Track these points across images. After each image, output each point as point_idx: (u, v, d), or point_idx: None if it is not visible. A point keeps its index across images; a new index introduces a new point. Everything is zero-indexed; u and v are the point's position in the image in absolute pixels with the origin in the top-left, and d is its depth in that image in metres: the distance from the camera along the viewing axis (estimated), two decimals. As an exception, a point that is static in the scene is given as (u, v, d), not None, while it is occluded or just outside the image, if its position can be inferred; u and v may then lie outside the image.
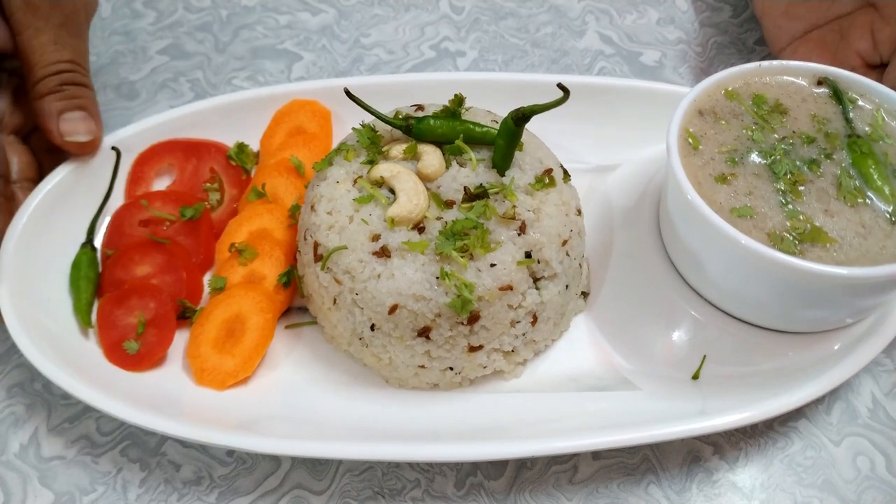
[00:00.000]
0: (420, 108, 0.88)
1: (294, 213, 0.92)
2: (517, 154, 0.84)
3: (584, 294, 0.91)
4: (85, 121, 0.91)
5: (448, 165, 0.82)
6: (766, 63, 0.88)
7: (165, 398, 0.82)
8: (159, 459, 0.84)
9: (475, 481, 0.83)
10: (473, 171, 0.82)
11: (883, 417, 0.87)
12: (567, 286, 0.84)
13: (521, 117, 0.78)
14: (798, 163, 0.81)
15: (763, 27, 1.14)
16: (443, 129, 0.83)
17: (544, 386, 0.85)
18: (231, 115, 1.00)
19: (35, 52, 0.89)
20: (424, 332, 0.78)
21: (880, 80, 0.89)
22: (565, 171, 0.88)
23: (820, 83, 0.87)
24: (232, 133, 1.00)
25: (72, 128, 0.90)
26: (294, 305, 0.91)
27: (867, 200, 0.78)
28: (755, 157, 0.81)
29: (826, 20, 1.07)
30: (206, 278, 0.92)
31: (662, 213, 0.89)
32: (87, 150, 0.92)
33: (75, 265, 0.89)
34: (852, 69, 0.97)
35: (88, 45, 0.95)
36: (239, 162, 0.99)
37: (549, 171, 0.84)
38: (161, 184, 0.98)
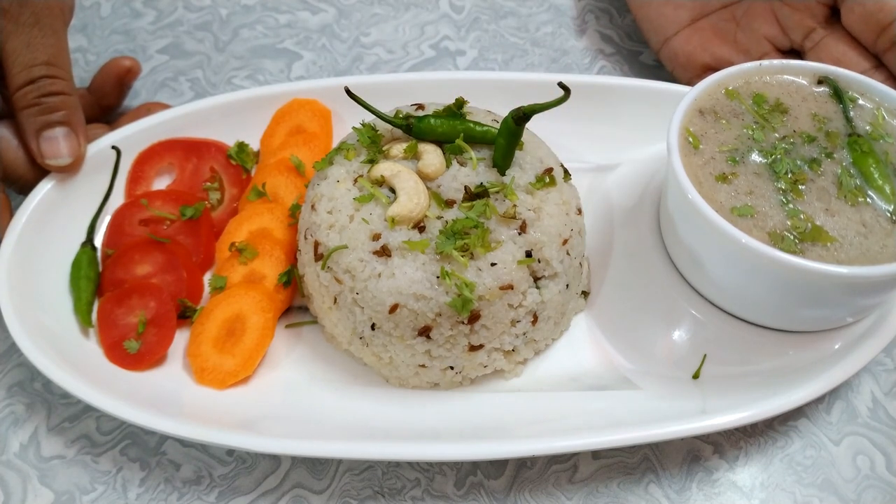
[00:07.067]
0: (420, 107, 0.88)
1: (294, 212, 0.92)
2: (518, 153, 0.84)
3: (585, 293, 0.91)
4: (67, 138, 0.88)
5: (448, 165, 0.82)
6: (766, 62, 0.88)
7: (165, 397, 0.82)
8: (159, 459, 0.84)
9: (475, 481, 0.83)
10: (474, 171, 0.82)
11: (883, 417, 0.87)
12: (567, 285, 0.84)
13: (521, 116, 0.78)
14: (799, 162, 0.81)
15: (639, 19, 1.13)
16: (443, 128, 0.83)
17: (544, 385, 0.85)
18: (231, 115, 1.00)
19: (9, 58, 0.87)
20: (425, 332, 0.78)
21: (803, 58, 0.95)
22: (566, 171, 0.88)
23: (820, 82, 0.87)
24: (232, 132, 0.99)
25: (53, 149, 0.87)
26: (294, 305, 0.91)
27: (868, 199, 0.78)
28: (756, 157, 0.81)
29: (713, 8, 1.08)
30: (207, 277, 0.92)
31: (663, 213, 0.89)
32: (69, 170, 0.90)
33: (75, 264, 0.89)
34: (764, 54, 1.03)
35: (67, 44, 0.92)
36: (239, 161, 0.99)
37: (549, 171, 0.84)
38: (161, 183, 0.98)
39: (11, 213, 0.88)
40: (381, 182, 0.82)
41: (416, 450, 0.76)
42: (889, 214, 0.77)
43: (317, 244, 0.82)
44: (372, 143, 0.84)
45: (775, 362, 0.83)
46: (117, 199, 0.96)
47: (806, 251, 0.74)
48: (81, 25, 1.22)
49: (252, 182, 0.96)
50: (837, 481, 0.83)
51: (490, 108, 0.90)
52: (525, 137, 0.84)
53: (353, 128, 0.86)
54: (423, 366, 0.82)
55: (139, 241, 0.91)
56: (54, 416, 0.86)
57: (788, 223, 0.76)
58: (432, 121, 0.83)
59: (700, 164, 0.81)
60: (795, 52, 1.06)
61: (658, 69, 1.18)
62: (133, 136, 0.96)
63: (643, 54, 1.20)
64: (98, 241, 0.93)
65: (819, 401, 0.87)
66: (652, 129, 0.94)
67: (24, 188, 0.91)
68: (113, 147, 0.95)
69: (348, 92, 0.84)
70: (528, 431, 0.80)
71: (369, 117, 0.86)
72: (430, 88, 0.98)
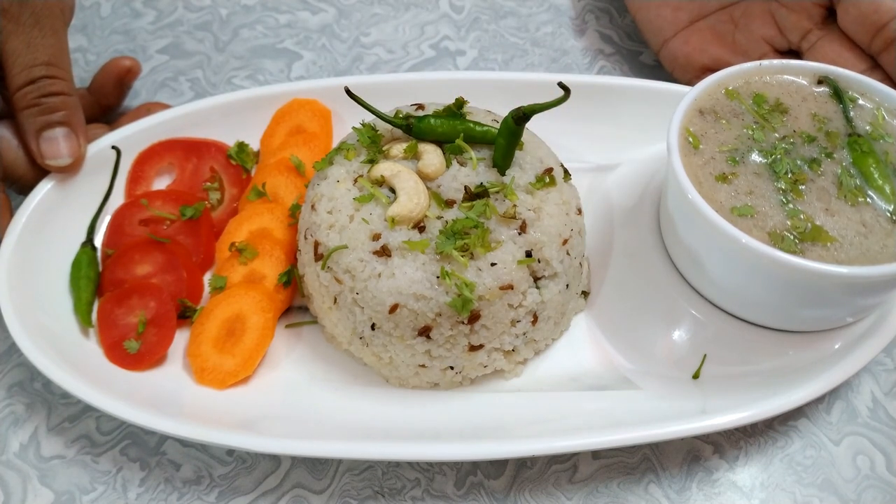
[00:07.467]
0: (420, 107, 0.88)
1: (294, 212, 0.92)
2: (517, 153, 0.84)
3: (585, 293, 0.91)
4: (67, 139, 0.88)
5: (448, 164, 0.82)
6: (766, 62, 0.88)
7: (165, 398, 0.82)
8: (159, 459, 0.84)
9: (475, 480, 0.83)
10: (474, 171, 0.82)
11: (883, 417, 0.87)
12: (567, 285, 0.84)
13: (521, 116, 0.78)
14: (799, 162, 0.81)
15: (638, 20, 1.13)
16: (443, 128, 0.83)
17: (544, 385, 0.85)
18: (231, 115, 1.00)
19: (9, 58, 0.87)
20: (425, 332, 0.78)
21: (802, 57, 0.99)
22: (566, 171, 0.88)
23: (820, 82, 0.87)
24: (232, 132, 1.00)
25: (52, 150, 0.87)
26: (294, 305, 0.91)
27: (868, 199, 0.78)
28: (756, 157, 0.81)
29: (711, 10, 1.08)
30: (207, 278, 0.92)
31: (663, 213, 0.89)
32: (69, 171, 0.90)
33: (75, 265, 0.89)
34: (762, 55, 1.03)
35: (68, 44, 0.92)
36: (239, 161, 0.99)
37: (549, 171, 0.84)
38: (161, 183, 0.98)
39: (11, 213, 0.88)
40: (381, 182, 0.82)
41: (416, 450, 0.76)
42: (889, 214, 0.77)
43: (317, 244, 0.82)
44: (372, 143, 0.84)
45: (775, 362, 0.83)
46: (117, 199, 0.96)
47: (806, 251, 0.74)
48: (81, 25, 1.22)
49: (252, 182, 0.96)
50: (837, 481, 0.83)
51: (490, 108, 0.90)
52: (525, 137, 0.84)
53: (353, 128, 0.86)
54: (423, 366, 0.82)
55: (139, 241, 0.91)
56: (54, 416, 0.86)
57: (788, 223, 0.76)
58: (432, 121, 0.83)
59: (700, 164, 0.81)
60: (794, 53, 1.06)
61: (658, 69, 1.17)
62: (133, 136, 0.96)
63: (643, 54, 1.20)
64: (98, 241, 0.93)
65: (819, 401, 0.87)
66: (652, 129, 0.94)
67: (24, 188, 0.91)
68: (113, 147, 0.95)
69: (348, 92, 0.84)
70: (528, 431, 0.80)
71: (369, 117, 0.86)
72: (430, 88, 0.98)
